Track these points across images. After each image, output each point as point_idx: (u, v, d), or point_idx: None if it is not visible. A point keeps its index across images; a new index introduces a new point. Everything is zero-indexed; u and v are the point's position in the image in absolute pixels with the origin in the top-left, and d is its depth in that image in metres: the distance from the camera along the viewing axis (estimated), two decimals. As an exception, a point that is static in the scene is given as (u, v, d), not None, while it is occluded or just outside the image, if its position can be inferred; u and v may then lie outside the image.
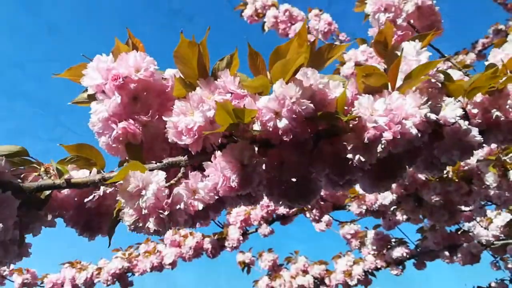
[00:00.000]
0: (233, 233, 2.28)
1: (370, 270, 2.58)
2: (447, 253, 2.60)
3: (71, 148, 0.63)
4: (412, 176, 2.08)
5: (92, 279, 2.26)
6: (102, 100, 0.60)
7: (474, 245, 2.43)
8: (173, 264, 2.25)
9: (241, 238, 2.30)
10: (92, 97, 0.63)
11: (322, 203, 2.32)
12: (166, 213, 0.53)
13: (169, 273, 2.31)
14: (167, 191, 0.55)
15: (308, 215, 2.32)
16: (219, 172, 0.58)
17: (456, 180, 2.06)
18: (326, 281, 2.59)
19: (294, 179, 0.70)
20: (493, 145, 2.04)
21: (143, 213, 0.53)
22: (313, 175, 0.71)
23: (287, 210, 2.33)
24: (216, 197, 0.62)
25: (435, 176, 1.75)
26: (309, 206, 2.36)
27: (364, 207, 2.17)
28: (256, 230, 2.39)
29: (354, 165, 0.66)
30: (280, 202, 0.73)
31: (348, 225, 2.63)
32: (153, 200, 0.53)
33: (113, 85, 0.57)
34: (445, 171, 2.17)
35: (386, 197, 2.14)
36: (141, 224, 0.53)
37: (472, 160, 2.02)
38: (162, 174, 0.55)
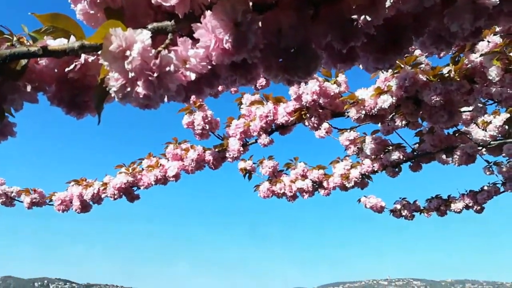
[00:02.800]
0: (233, 144, 2.29)
1: (366, 173, 2.65)
2: (444, 155, 2.65)
3: (45, 18, 0.56)
4: (413, 77, 2.03)
5: (99, 194, 2.33)
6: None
7: (470, 145, 2.46)
8: (176, 177, 2.30)
9: (241, 149, 2.31)
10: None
11: (320, 110, 2.30)
12: (155, 75, 0.49)
13: (174, 185, 2.40)
14: (153, 51, 0.50)
15: (307, 123, 2.31)
16: (210, 33, 0.53)
17: (458, 79, 2.01)
18: (324, 184, 2.68)
19: (292, 50, 0.65)
20: (498, 40, 1.95)
21: (129, 76, 0.49)
22: (313, 45, 0.66)
23: (286, 119, 2.30)
24: (209, 67, 0.57)
25: (444, 50, 1.68)
26: (308, 115, 2.34)
27: (363, 112, 2.15)
28: (256, 141, 2.40)
29: (359, 27, 0.60)
30: (279, 77, 0.68)
31: (347, 132, 2.64)
32: (139, 61, 0.48)
33: None
34: (446, 71, 2.12)
35: (386, 101, 2.11)
36: (129, 89, 0.49)
37: (476, 57, 1.96)
38: (146, 33, 0.49)
